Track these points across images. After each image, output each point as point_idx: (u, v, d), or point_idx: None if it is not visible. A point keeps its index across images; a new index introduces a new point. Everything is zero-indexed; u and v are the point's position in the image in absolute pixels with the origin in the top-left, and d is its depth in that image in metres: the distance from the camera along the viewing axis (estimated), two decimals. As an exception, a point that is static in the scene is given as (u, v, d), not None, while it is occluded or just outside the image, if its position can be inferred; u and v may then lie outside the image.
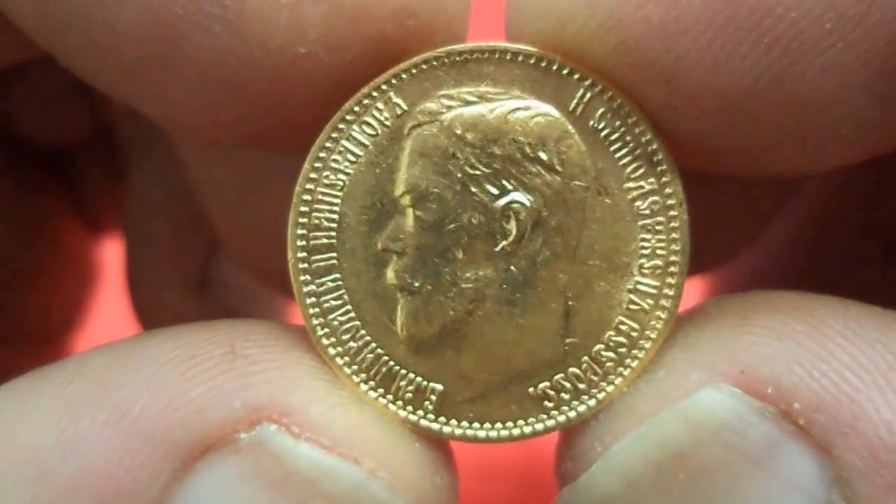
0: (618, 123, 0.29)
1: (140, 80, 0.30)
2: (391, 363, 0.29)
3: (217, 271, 0.51)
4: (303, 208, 0.29)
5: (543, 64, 0.29)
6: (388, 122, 0.29)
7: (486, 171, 0.28)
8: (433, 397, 0.29)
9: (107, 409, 0.26)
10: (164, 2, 0.27)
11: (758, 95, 0.27)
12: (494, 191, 0.28)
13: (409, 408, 0.29)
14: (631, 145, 0.29)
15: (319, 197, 0.29)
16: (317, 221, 0.29)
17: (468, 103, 0.29)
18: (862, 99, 0.27)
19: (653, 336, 0.29)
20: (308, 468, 0.26)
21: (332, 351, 0.29)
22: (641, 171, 0.29)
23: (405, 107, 0.29)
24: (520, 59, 0.29)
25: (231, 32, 0.28)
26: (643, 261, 0.29)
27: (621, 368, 0.29)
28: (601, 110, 0.29)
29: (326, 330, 0.29)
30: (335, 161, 0.29)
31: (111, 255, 0.58)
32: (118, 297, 0.57)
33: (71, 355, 0.55)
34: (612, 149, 0.29)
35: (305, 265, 0.29)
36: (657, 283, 0.29)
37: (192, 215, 0.46)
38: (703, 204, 0.31)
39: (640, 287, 0.29)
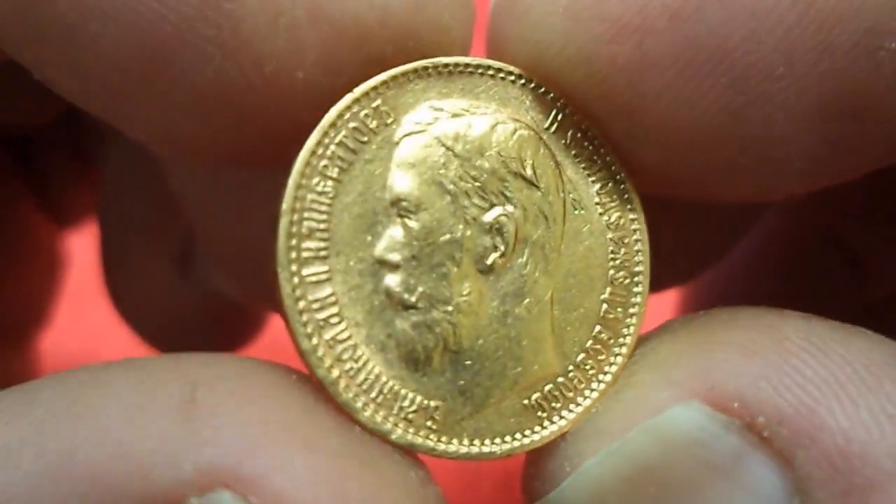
0: (586, 143, 0.30)
1: (123, 101, 0.28)
2: (391, 383, 0.28)
3: (198, 251, 0.49)
4: (294, 216, 0.28)
5: (522, 82, 0.30)
6: (376, 130, 0.29)
7: (475, 184, 0.29)
8: (436, 416, 0.28)
9: (47, 457, 0.24)
10: (153, 20, 0.26)
11: (715, 131, 0.28)
12: (483, 204, 0.29)
13: (412, 430, 0.28)
14: (598, 164, 0.30)
15: (309, 205, 0.28)
16: (307, 231, 0.28)
17: (455, 115, 0.29)
18: (812, 137, 0.28)
19: (626, 342, 0.30)
20: None
21: (331, 375, 0.27)
22: (608, 188, 0.30)
23: (392, 115, 0.29)
24: (501, 75, 0.30)
25: (225, 55, 0.27)
26: (612, 272, 0.30)
27: (602, 375, 0.30)
28: (572, 131, 0.30)
29: (322, 351, 0.27)
30: (324, 167, 0.28)
31: (77, 246, 0.56)
32: (85, 289, 0.55)
33: (34, 355, 0.53)
34: (582, 167, 0.30)
35: (297, 279, 0.27)
36: (625, 293, 0.30)
37: (169, 197, 0.44)
38: (670, 223, 0.32)
39: (612, 297, 0.30)
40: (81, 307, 0.58)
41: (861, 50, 0.27)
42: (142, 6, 0.26)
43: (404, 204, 0.28)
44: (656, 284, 0.32)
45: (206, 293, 0.49)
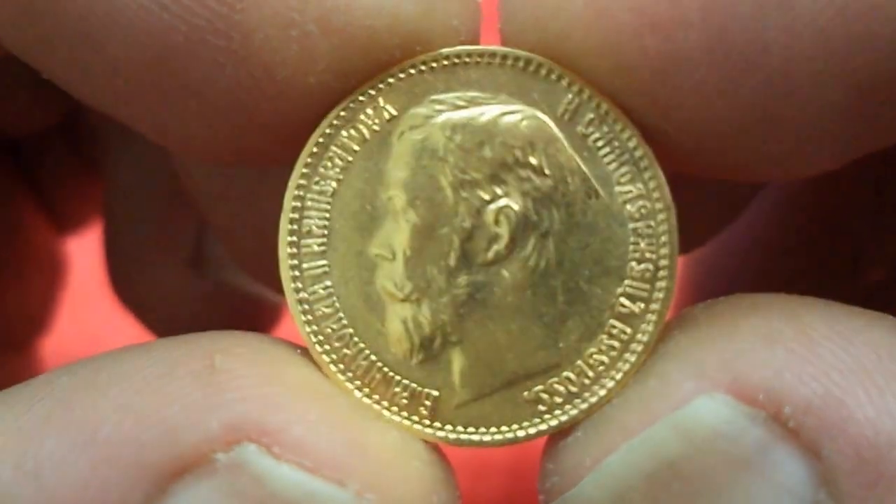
0: (605, 129, 0.29)
1: (132, 105, 0.29)
2: (385, 370, 0.29)
3: (210, 246, 0.49)
4: (293, 215, 0.29)
5: (531, 69, 0.29)
6: (377, 127, 0.29)
7: (477, 175, 0.28)
8: (427, 403, 0.29)
9: (72, 431, 0.25)
10: (163, 29, 0.26)
11: (748, 123, 0.27)
12: (485, 195, 0.28)
13: (404, 413, 0.29)
14: (618, 150, 0.29)
15: (309, 203, 0.29)
16: (307, 228, 0.29)
17: (458, 108, 0.29)
18: (845, 125, 0.28)
19: (644, 339, 0.29)
20: (290, 491, 0.25)
21: (326, 359, 0.29)
22: (629, 175, 0.29)
23: (394, 111, 0.29)
24: (508, 63, 0.29)
25: (236, 64, 0.27)
26: (633, 264, 0.29)
27: (613, 371, 0.29)
28: (589, 116, 0.29)
29: (320, 338, 0.29)
30: (324, 167, 0.29)
31: (78, 250, 0.56)
32: (87, 294, 0.55)
33: (36, 362, 0.53)
34: (600, 154, 0.29)
35: (297, 273, 0.29)
36: (647, 287, 0.29)
37: (179, 191, 0.44)
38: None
39: (630, 290, 0.29)
40: (83, 312, 0.58)
41: None
42: (151, 16, 0.26)
43: (404, 198, 0.28)
44: None
45: (217, 287, 0.50)
